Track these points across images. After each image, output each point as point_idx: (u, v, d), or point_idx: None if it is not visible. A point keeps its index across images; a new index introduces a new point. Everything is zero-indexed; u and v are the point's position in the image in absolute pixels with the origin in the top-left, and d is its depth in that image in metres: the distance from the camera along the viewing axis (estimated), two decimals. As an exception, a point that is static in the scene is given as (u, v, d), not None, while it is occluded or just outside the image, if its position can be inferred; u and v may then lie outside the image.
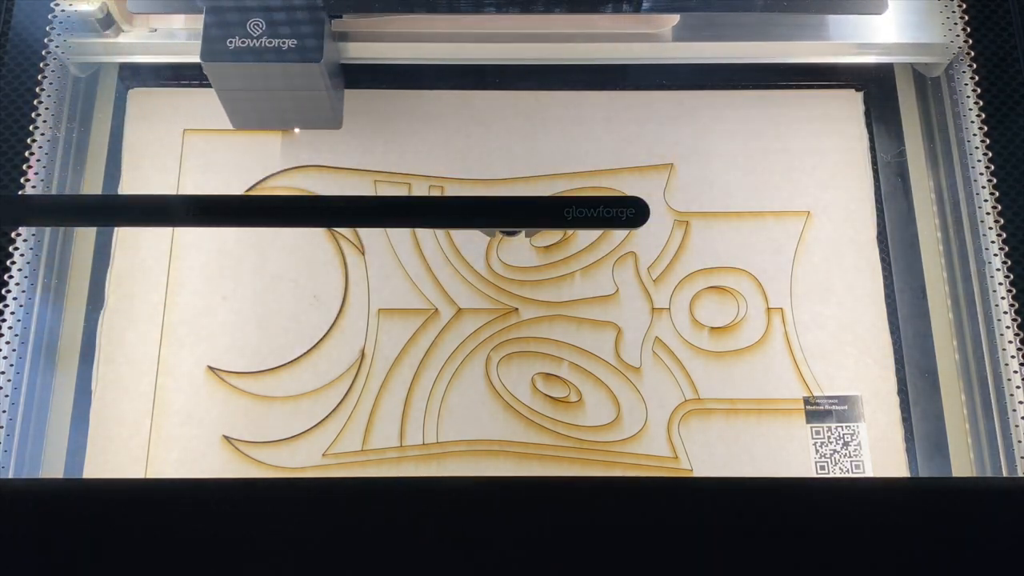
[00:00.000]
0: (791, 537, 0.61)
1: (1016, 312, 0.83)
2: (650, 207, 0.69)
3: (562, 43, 0.94)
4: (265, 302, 0.93)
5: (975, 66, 0.91)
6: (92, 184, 0.95)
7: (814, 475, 0.88)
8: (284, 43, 0.80)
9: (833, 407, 0.90)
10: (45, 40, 0.91)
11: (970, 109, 0.90)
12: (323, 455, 0.89)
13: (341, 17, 0.86)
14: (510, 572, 0.60)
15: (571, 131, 0.99)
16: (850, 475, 0.88)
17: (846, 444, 0.89)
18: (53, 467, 0.86)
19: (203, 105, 0.99)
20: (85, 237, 0.94)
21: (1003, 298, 0.84)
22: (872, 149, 0.99)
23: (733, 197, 0.97)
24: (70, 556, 0.60)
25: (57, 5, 0.92)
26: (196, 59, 0.96)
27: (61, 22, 0.92)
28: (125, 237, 0.95)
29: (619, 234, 0.96)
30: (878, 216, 0.96)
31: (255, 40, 0.80)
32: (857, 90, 1.01)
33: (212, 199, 0.79)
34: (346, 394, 0.91)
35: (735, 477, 0.86)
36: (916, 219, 0.95)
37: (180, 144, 0.98)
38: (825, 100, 1.01)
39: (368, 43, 0.92)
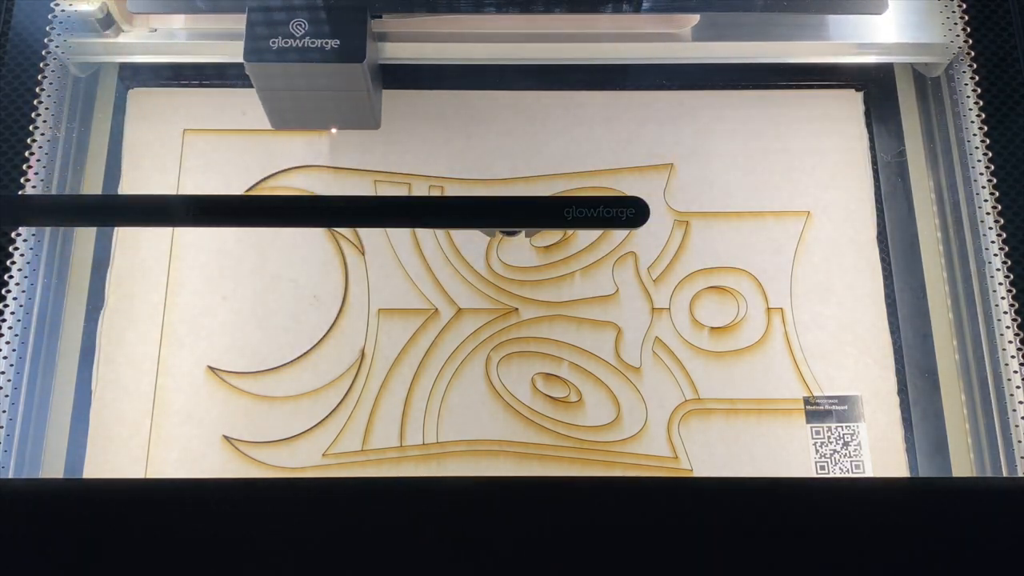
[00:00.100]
0: (791, 537, 0.61)
1: (1016, 312, 0.83)
2: (650, 207, 0.69)
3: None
4: (265, 302, 0.93)
5: (975, 66, 0.91)
6: (92, 184, 0.95)
7: (814, 475, 0.88)
8: (327, 43, 0.81)
9: (833, 407, 0.90)
10: (45, 40, 0.91)
11: (970, 109, 0.90)
12: (323, 455, 0.89)
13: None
14: (510, 572, 0.60)
15: (571, 131, 0.99)
16: (850, 475, 0.88)
17: (846, 444, 0.89)
18: (53, 467, 0.86)
19: (203, 105, 1.00)
20: (85, 237, 0.94)
21: (1003, 298, 0.84)
22: (872, 149, 0.99)
23: (733, 197, 0.97)
24: (70, 556, 0.60)
25: (57, 5, 0.92)
26: (196, 59, 0.97)
27: (61, 22, 0.92)
28: (125, 237, 0.95)
29: (619, 234, 0.96)
30: (878, 216, 0.96)
31: (298, 40, 0.80)
32: (857, 90, 1.01)
33: (212, 199, 0.79)
34: (346, 394, 0.91)
35: (735, 477, 0.86)
36: (916, 219, 0.95)
37: (180, 144, 0.98)
38: (825, 100, 1.01)
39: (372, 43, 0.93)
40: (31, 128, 0.87)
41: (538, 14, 0.90)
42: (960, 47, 0.92)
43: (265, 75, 0.83)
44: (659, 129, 0.99)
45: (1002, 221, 0.86)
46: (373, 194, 0.96)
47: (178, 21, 0.94)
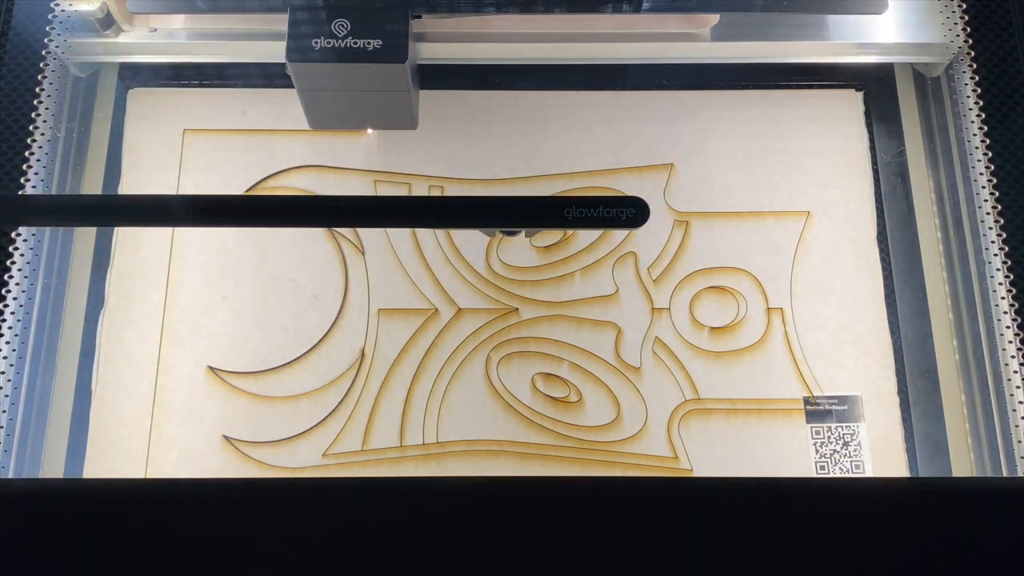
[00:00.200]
0: (791, 537, 0.61)
1: (1016, 312, 0.83)
2: (650, 207, 0.69)
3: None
4: (265, 302, 0.93)
5: (975, 66, 0.91)
6: (92, 184, 0.95)
7: (814, 475, 0.88)
8: (369, 43, 0.81)
9: (833, 407, 0.90)
10: (45, 40, 0.91)
11: (970, 109, 0.90)
12: (323, 455, 0.89)
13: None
14: (510, 572, 0.60)
15: (571, 131, 0.99)
16: (850, 475, 0.88)
17: (846, 444, 0.89)
18: (53, 467, 0.86)
19: (203, 105, 1.00)
20: (85, 237, 0.94)
21: (1003, 298, 0.84)
22: (872, 149, 0.99)
23: (733, 197, 0.97)
24: (70, 556, 0.60)
25: (57, 5, 0.92)
26: (196, 59, 0.97)
27: (61, 22, 0.92)
28: (125, 237, 0.95)
29: (619, 234, 0.96)
30: (878, 216, 0.96)
31: (340, 40, 0.81)
32: (857, 90, 1.01)
33: (212, 199, 0.79)
34: (346, 394, 0.91)
35: (735, 477, 0.86)
36: (916, 219, 0.95)
37: (180, 144, 0.98)
38: (825, 100, 1.01)
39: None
40: (31, 128, 0.87)
41: (538, 14, 0.90)
42: (960, 47, 0.92)
43: (307, 75, 0.83)
44: (659, 129, 0.99)
45: (1002, 221, 0.86)
46: (373, 194, 0.96)
47: (178, 21, 0.94)
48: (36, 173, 0.86)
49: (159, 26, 0.94)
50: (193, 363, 0.91)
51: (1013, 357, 0.83)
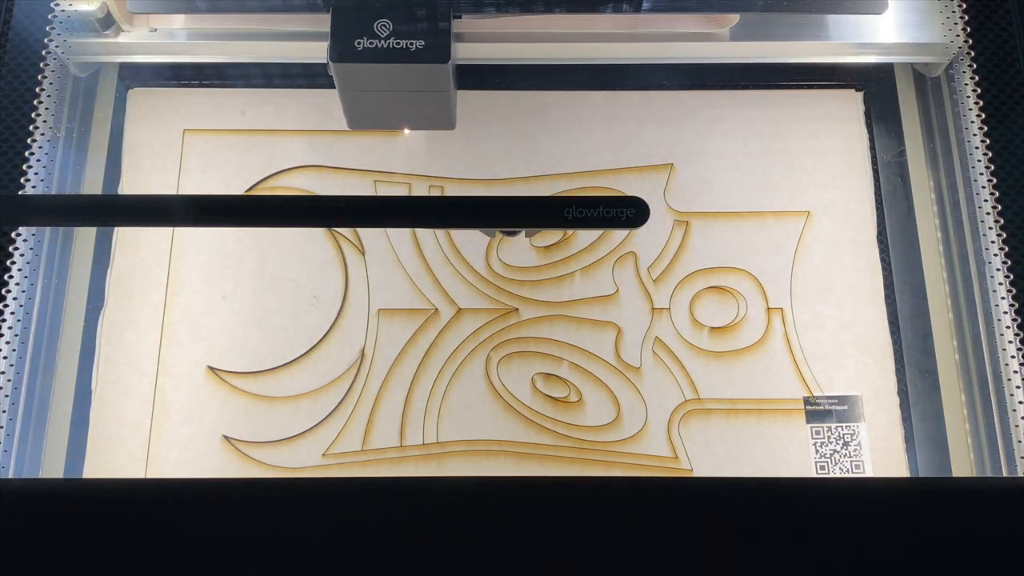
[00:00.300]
0: (791, 537, 0.61)
1: (1016, 312, 0.83)
2: (650, 207, 0.69)
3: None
4: (265, 302, 0.93)
5: (975, 66, 0.91)
6: (92, 184, 0.95)
7: (814, 475, 0.88)
8: (412, 44, 0.81)
9: (833, 407, 0.90)
10: (45, 40, 0.91)
11: (970, 109, 0.90)
12: (323, 455, 0.89)
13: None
14: (510, 572, 0.60)
15: (571, 131, 0.99)
16: (850, 475, 0.88)
17: (846, 444, 0.89)
18: (53, 467, 0.86)
19: (203, 105, 1.00)
20: (85, 237, 0.94)
21: (1003, 298, 0.84)
22: (872, 149, 0.99)
23: (733, 197, 0.97)
24: (70, 556, 0.60)
25: (57, 5, 0.92)
26: (196, 59, 0.97)
27: (61, 22, 0.92)
28: (125, 237, 0.95)
29: (619, 234, 0.96)
30: (878, 216, 0.96)
31: (383, 41, 0.80)
32: (857, 90, 1.01)
33: (212, 199, 0.79)
34: (346, 394, 0.91)
35: (735, 477, 0.86)
36: (916, 219, 0.95)
37: (180, 144, 0.98)
38: (825, 100, 1.01)
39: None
40: (31, 128, 0.87)
41: (539, 14, 0.90)
42: (960, 47, 0.92)
43: (349, 75, 0.83)
44: (659, 129, 0.99)
45: (1002, 221, 0.86)
46: (373, 194, 0.96)
47: (178, 21, 0.94)
48: (36, 173, 0.86)
49: (159, 26, 0.94)
50: (193, 363, 0.91)
51: (1013, 357, 0.83)
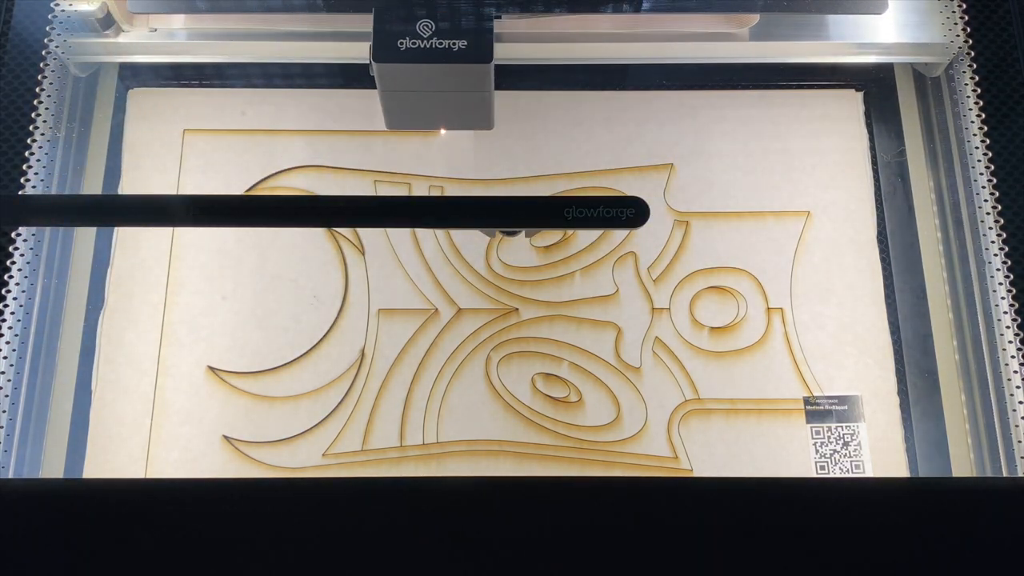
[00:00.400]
0: (791, 537, 0.61)
1: (1016, 312, 0.83)
2: (650, 207, 0.69)
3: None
4: (265, 302, 0.93)
5: (975, 66, 0.91)
6: (92, 184, 0.95)
7: (814, 475, 0.88)
8: (454, 44, 0.81)
9: (833, 407, 0.90)
10: (45, 40, 0.91)
11: (970, 109, 0.90)
12: (323, 455, 0.89)
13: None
14: (510, 572, 0.60)
15: (571, 131, 0.99)
16: (850, 475, 0.88)
17: (846, 444, 0.89)
18: (53, 467, 0.86)
19: (203, 105, 1.00)
20: (85, 237, 0.94)
21: (1003, 298, 0.84)
22: (872, 149, 0.99)
23: (733, 197, 0.97)
24: (70, 556, 0.60)
25: (57, 5, 0.92)
26: (196, 59, 0.97)
27: (61, 22, 0.92)
28: (125, 237, 0.95)
29: (619, 234, 0.96)
30: (878, 216, 0.96)
31: (425, 41, 0.81)
32: (857, 90, 1.01)
33: (212, 199, 0.79)
34: (346, 394, 0.91)
35: (735, 477, 0.86)
36: (916, 219, 0.95)
37: (180, 144, 0.98)
38: (825, 100, 1.01)
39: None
40: (31, 128, 0.87)
41: (540, 15, 0.90)
42: (960, 47, 0.92)
43: (391, 76, 0.83)
44: (659, 129, 0.99)
45: (1002, 221, 0.86)
46: (373, 194, 0.96)
47: (178, 21, 0.94)
48: (36, 173, 0.86)
49: (159, 26, 0.94)
50: (193, 363, 0.91)
51: (1013, 357, 0.83)
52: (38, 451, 0.85)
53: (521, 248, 0.96)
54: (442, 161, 0.98)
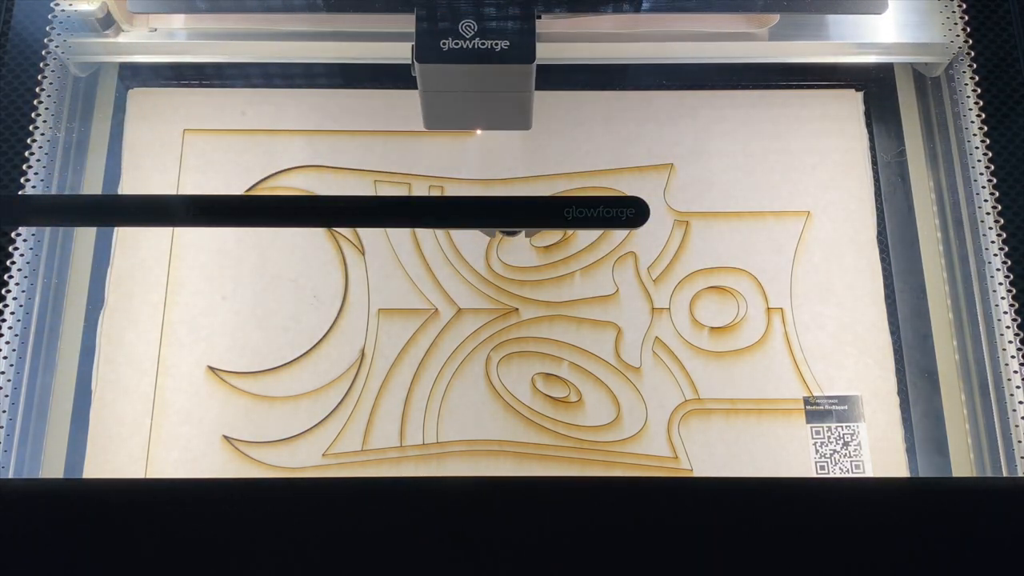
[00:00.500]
0: (791, 537, 0.61)
1: (1016, 312, 0.83)
2: (650, 207, 0.69)
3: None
4: (265, 302, 0.93)
5: (975, 66, 0.91)
6: (92, 184, 0.95)
7: (814, 475, 0.88)
8: (497, 44, 0.81)
9: (833, 407, 0.90)
10: (45, 40, 0.91)
11: (970, 109, 0.90)
12: (323, 455, 0.89)
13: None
14: (510, 572, 0.60)
15: (571, 131, 0.99)
16: (850, 475, 0.88)
17: (846, 444, 0.89)
18: (53, 467, 0.86)
19: (203, 105, 1.00)
20: (85, 237, 0.94)
21: (1003, 298, 0.84)
22: (872, 149, 0.99)
23: (733, 197, 0.97)
24: (70, 556, 0.60)
25: (57, 5, 0.92)
26: (196, 59, 0.97)
27: (61, 22, 0.92)
28: (125, 237, 0.95)
29: (619, 234, 0.96)
30: (878, 216, 0.96)
31: (468, 41, 0.80)
32: (857, 90, 1.01)
33: (212, 199, 0.79)
34: (346, 394, 0.91)
35: (735, 477, 0.86)
36: (916, 219, 0.95)
37: (180, 144, 0.98)
38: (825, 100, 1.01)
39: (375, 43, 0.93)
40: (31, 128, 0.87)
41: (539, 16, 0.90)
42: (960, 47, 0.92)
43: (432, 76, 0.83)
44: (659, 129, 0.99)
45: (1002, 221, 0.86)
46: (373, 194, 0.96)
47: (178, 21, 0.94)
48: (36, 173, 0.86)
49: (159, 26, 0.94)
50: (193, 363, 0.91)
51: (1013, 357, 0.83)
52: (38, 451, 0.85)
53: (521, 248, 0.96)
54: (442, 161, 0.98)
